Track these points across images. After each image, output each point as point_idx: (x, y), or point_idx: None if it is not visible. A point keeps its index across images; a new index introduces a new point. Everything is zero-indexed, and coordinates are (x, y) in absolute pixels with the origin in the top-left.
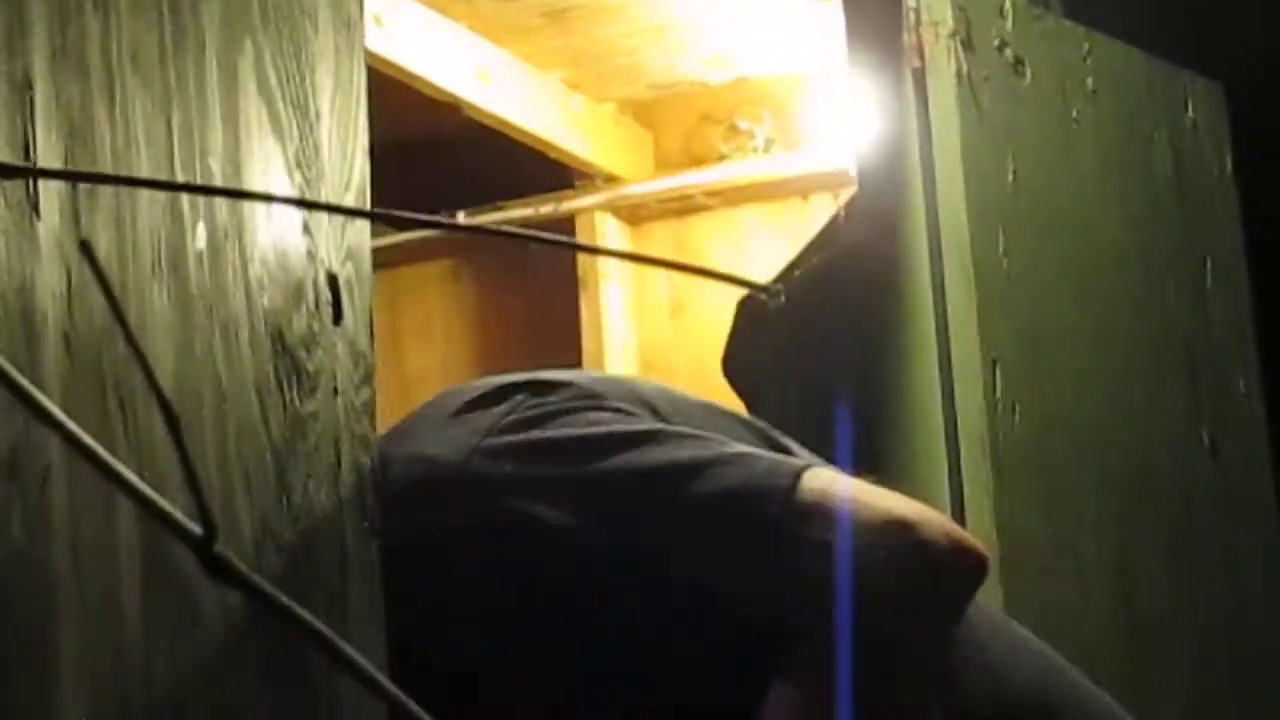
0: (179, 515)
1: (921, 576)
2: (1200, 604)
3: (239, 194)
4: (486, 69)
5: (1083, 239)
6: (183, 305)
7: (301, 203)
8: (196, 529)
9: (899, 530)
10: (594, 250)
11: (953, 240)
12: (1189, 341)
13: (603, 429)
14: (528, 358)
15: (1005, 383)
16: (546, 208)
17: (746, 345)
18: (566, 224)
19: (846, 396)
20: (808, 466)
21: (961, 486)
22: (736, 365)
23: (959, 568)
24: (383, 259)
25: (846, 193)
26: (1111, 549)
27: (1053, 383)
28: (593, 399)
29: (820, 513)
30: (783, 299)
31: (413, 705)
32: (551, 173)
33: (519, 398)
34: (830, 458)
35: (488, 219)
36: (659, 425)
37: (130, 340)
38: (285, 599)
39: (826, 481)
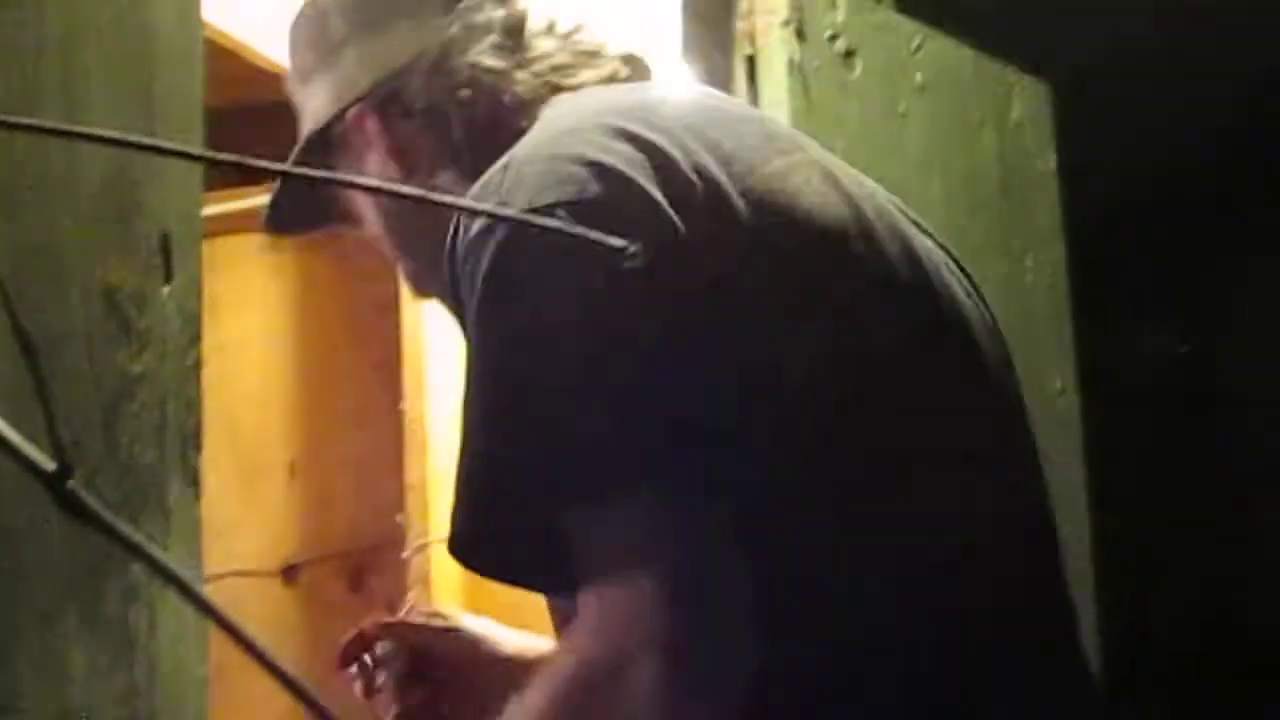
0: (33, 450)
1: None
2: None
3: (75, 135)
4: None
5: None
6: (15, 254)
7: (147, 146)
8: (50, 464)
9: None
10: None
11: None
12: (1007, 337)
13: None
14: (347, 330)
15: None
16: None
17: None
18: None
19: None
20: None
21: None
22: None
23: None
24: (204, 229)
25: None
26: None
27: None
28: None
29: None
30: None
31: (251, 641)
32: None
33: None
34: None
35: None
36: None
37: None
38: (137, 536)
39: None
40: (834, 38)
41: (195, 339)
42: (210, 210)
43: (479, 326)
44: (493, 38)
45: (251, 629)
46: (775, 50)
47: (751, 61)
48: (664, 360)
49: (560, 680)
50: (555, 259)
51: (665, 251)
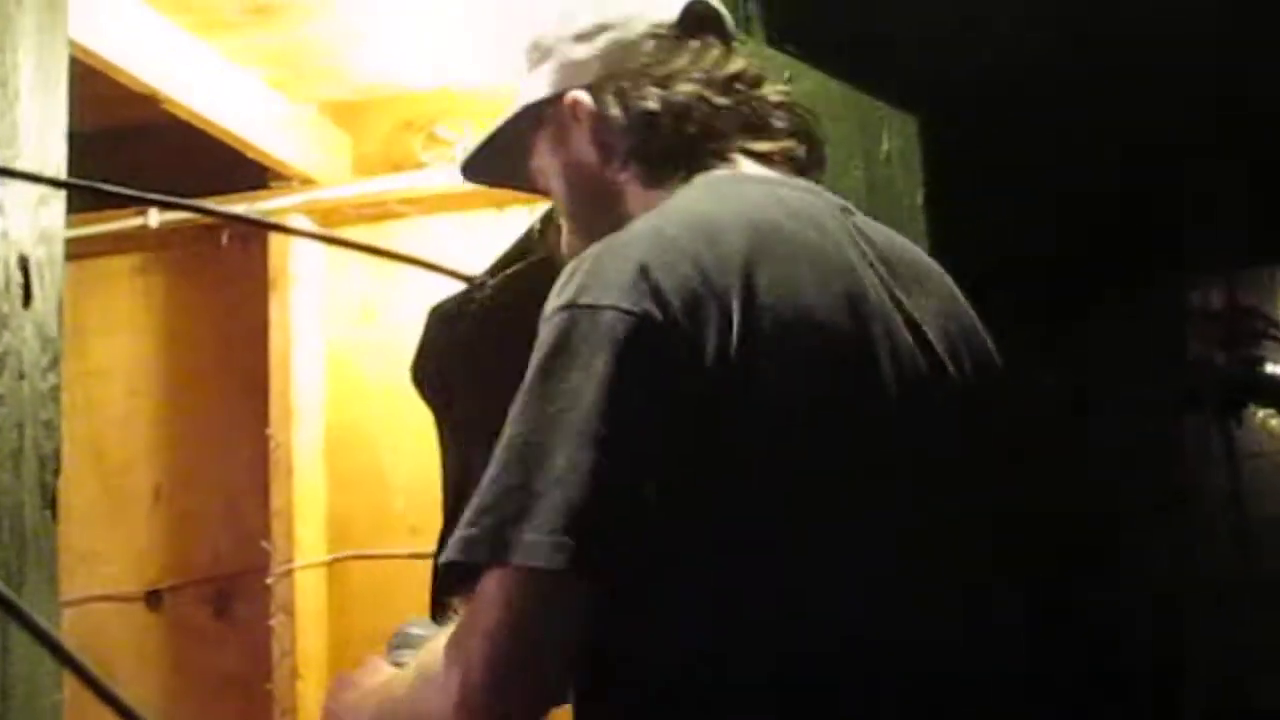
0: None
1: None
2: None
3: None
4: (186, 62)
5: None
6: None
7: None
8: None
9: None
10: (309, 235)
11: None
12: None
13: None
14: (215, 356)
15: None
16: (241, 207)
17: (436, 353)
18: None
19: None
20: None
21: None
22: (425, 372)
23: None
24: (71, 251)
25: (541, 206)
26: None
27: None
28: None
29: None
30: (487, 290)
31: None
32: (248, 172)
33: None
34: None
35: (180, 216)
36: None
37: None
38: None
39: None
40: None
41: (55, 362)
42: (79, 232)
43: (526, 383)
44: (710, 71)
45: (114, 654)
46: None
47: None
48: (646, 450)
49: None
50: (601, 353)
51: (667, 377)
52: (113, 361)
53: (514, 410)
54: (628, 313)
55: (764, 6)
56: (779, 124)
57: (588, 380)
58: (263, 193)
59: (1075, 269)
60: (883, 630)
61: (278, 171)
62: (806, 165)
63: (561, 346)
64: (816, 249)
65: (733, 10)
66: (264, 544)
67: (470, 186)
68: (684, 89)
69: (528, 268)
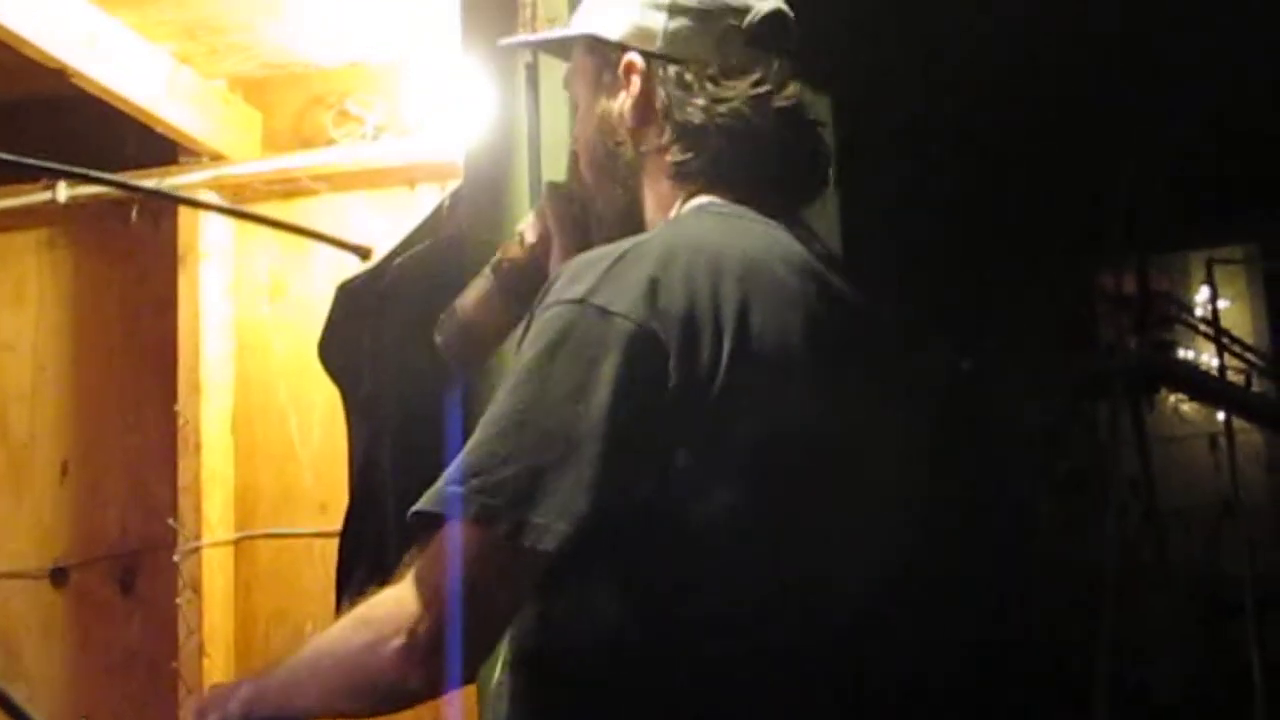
0: None
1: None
2: None
3: None
4: (96, 36)
5: None
6: None
7: None
8: None
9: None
10: (213, 208)
11: None
12: None
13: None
14: (124, 331)
15: None
16: (150, 182)
17: (343, 330)
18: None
19: (451, 382)
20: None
21: None
22: (332, 349)
23: (400, 687)
24: None
25: (453, 183)
26: None
27: None
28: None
29: None
30: (395, 266)
31: None
32: (158, 147)
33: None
34: (430, 441)
35: (88, 191)
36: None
37: None
38: None
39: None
40: None
41: None
42: None
43: (526, 361)
44: (763, 95)
45: (19, 631)
46: (555, 58)
47: (532, 69)
48: (644, 458)
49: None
50: (611, 355)
51: (648, 389)
52: (19, 336)
53: (512, 380)
54: (639, 325)
55: None
56: (804, 151)
57: (597, 379)
58: (172, 168)
59: (983, 251)
60: (810, 629)
61: (188, 146)
62: (816, 191)
63: (568, 336)
64: (800, 298)
65: None
66: (171, 521)
67: (382, 161)
68: (734, 106)
69: (436, 245)
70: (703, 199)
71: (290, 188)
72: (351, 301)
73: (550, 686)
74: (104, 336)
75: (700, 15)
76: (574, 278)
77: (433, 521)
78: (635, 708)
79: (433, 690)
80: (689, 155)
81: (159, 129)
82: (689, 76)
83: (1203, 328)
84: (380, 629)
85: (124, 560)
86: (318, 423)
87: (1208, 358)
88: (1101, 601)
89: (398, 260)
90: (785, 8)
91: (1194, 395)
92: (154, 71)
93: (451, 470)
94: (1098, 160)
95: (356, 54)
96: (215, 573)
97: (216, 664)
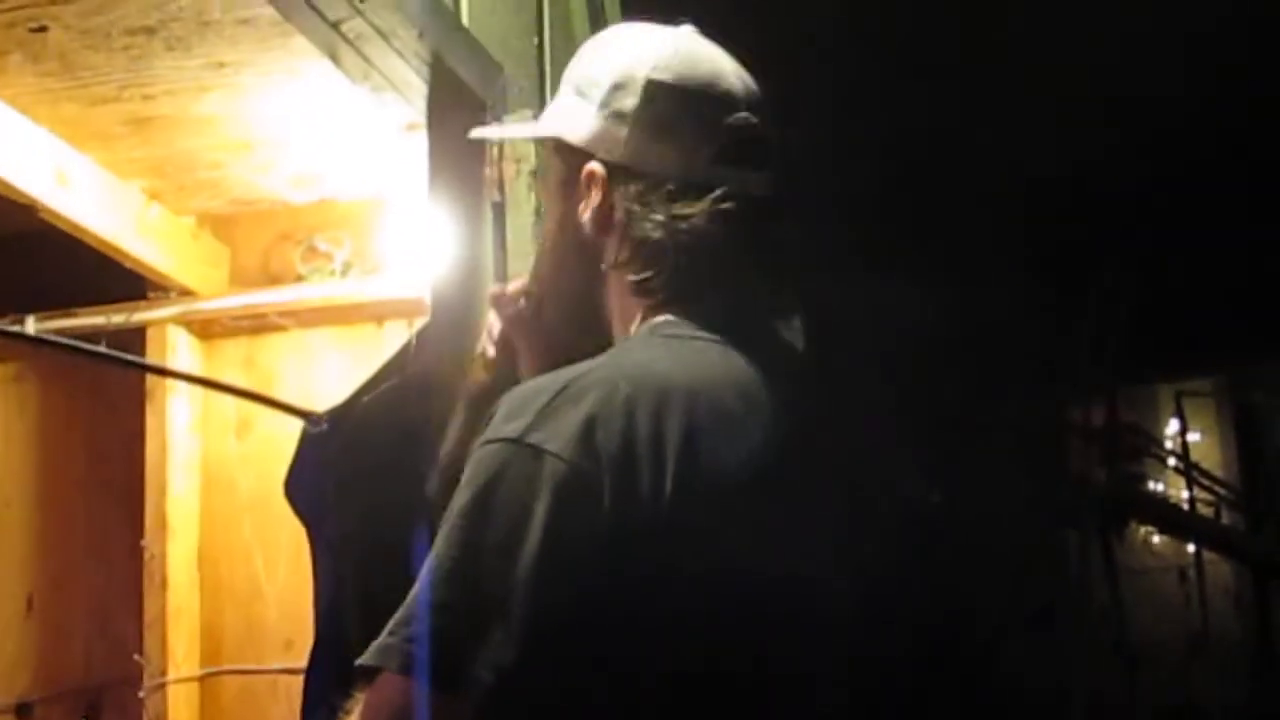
0: None
1: None
2: None
3: None
4: (66, 172)
5: None
6: None
7: None
8: None
9: None
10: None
11: None
12: None
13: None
14: (90, 465)
15: None
16: (119, 317)
17: (309, 468)
18: (138, 335)
19: (417, 520)
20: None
21: None
22: (298, 487)
23: None
24: None
25: (420, 320)
26: None
27: None
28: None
29: None
30: (325, 427)
31: None
32: (126, 282)
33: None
34: (397, 577)
35: (59, 325)
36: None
37: None
38: None
39: None
40: None
41: None
42: None
43: (461, 504)
44: (733, 215)
45: None
46: (523, 197)
47: (499, 208)
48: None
49: None
50: (542, 498)
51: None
52: None
53: (447, 525)
54: (570, 465)
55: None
56: (768, 262)
57: (529, 526)
58: (140, 303)
59: (956, 381)
60: None
61: (156, 282)
62: (788, 309)
63: (502, 477)
64: (749, 428)
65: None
66: (136, 656)
67: (350, 298)
68: (694, 224)
69: (403, 384)
70: (661, 317)
71: (258, 324)
72: (318, 439)
73: None
74: (70, 471)
75: (663, 128)
76: (511, 413)
77: (373, 671)
78: None
79: None
80: (647, 274)
81: (128, 264)
82: (649, 190)
83: (1172, 460)
84: None
85: (88, 696)
86: (283, 559)
87: (1177, 490)
88: None
89: (364, 399)
90: (758, 121)
91: (1163, 527)
92: (123, 207)
93: (392, 621)
94: (1067, 292)
95: (324, 191)
96: (180, 709)
97: None
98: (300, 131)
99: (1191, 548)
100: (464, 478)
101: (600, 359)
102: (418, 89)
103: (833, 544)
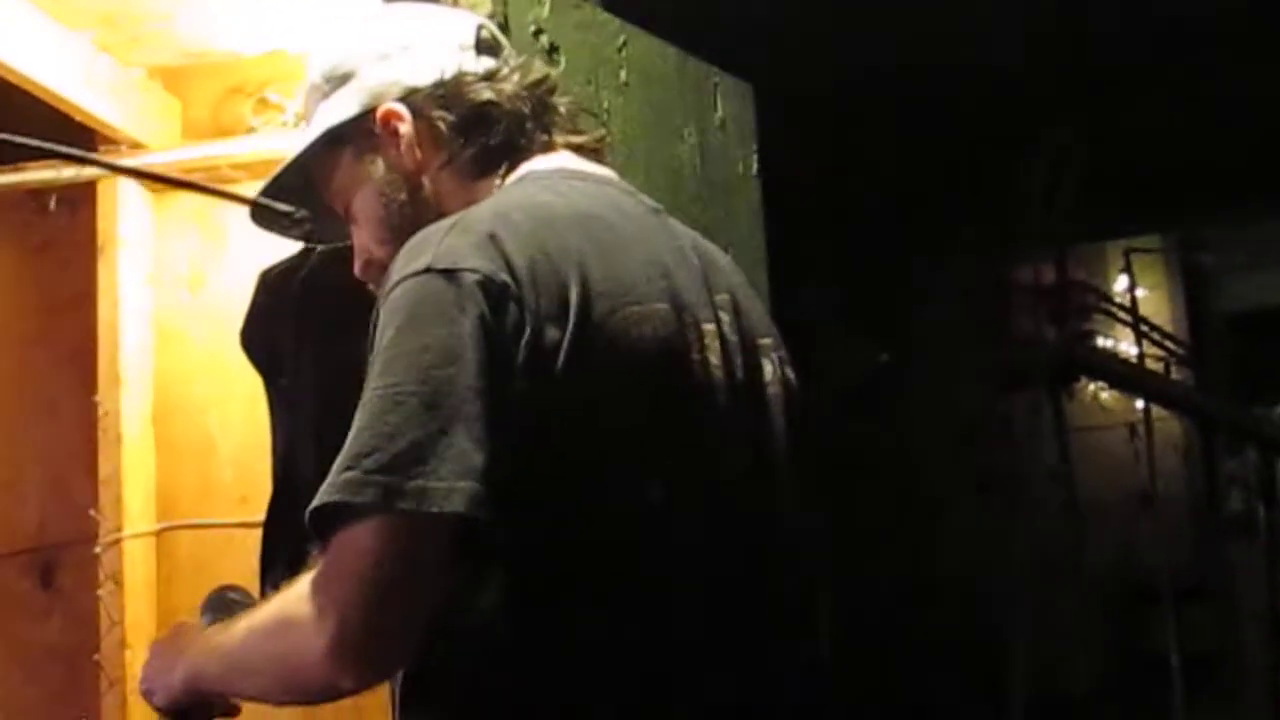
0: None
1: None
2: None
3: None
4: (12, 22)
5: None
6: None
7: None
8: None
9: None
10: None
11: None
12: None
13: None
14: (40, 323)
15: None
16: (69, 171)
17: (264, 318)
18: (89, 189)
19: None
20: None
21: None
22: (253, 337)
23: (334, 686)
24: None
25: None
26: None
27: None
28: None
29: None
30: (306, 224)
31: None
32: (77, 136)
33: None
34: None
35: (5, 180)
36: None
37: None
38: None
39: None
40: (538, 33)
41: None
42: None
43: (387, 341)
44: (516, 79)
45: None
46: None
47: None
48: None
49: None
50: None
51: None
52: None
53: (379, 364)
54: (487, 276)
55: None
56: (584, 119)
57: (459, 337)
58: (91, 155)
59: (902, 241)
60: (688, 661)
61: (106, 135)
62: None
63: (424, 304)
64: (640, 244)
65: None
66: (91, 513)
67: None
68: (505, 87)
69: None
70: (519, 172)
71: (211, 176)
72: (273, 290)
73: (433, 688)
74: (20, 328)
75: (421, 46)
76: (411, 254)
77: (335, 512)
78: (512, 707)
79: (366, 684)
80: (487, 136)
81: (78, 117)
82: (453, 88)
83: (1121, 315)
84: (304, 632)
85: (43, 554)
86: (238, 415)
87: (1126, 346)
88: (1021, 595)
89: (318, 249)
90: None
91: (1113, 384)
92: (72, 59)
93: (340, 460)
94: (1014, 148)
95: (276, 43)
96: (137, 565)
97: (138, 656)
98: None
99: (1140, 404)
100: (381, 323)
101: (480, 204)
102: None
103: (761, 391)
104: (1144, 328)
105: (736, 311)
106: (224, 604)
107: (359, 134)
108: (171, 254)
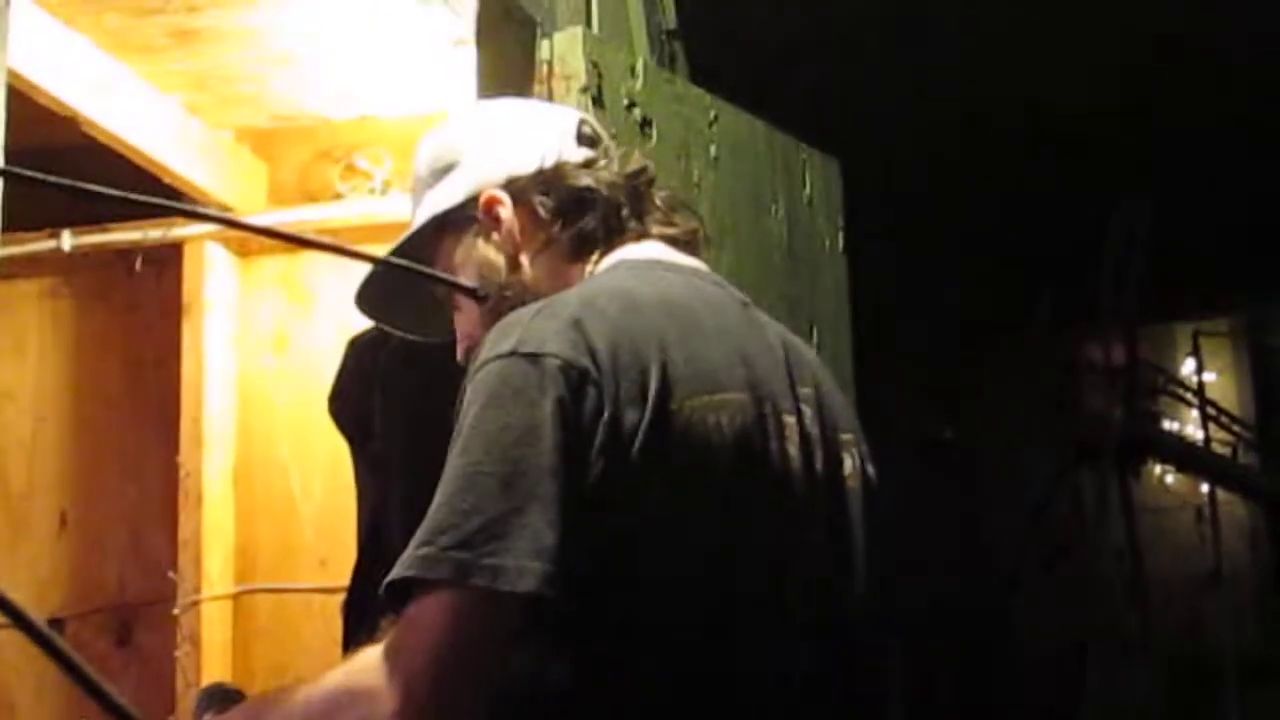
0: None
1: None
2: None
3: None
4: (107, 85)
5: None
6: None
7: None
8: None
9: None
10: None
11: None
12: None
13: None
14: (125, 382)
15: None
16: (156, 233)
17: (354, 384)
18: (175, 251)
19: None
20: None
21: None
22: (343, 404)
23: None
24: None
25: None
26: None
27: None
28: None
29: None
30: (489, 299)
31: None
32: (165, 197)
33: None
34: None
35: (93, 240)
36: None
37: None
38: None
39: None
40: (631, 106)
41: None
42: None
43: (470, 419)
44: (615, 168)
45: (13, 684)
46: None
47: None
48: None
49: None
50: (550, 394)
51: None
52: (19, 386)
53: (460, 441)
54: (569, 362)
55: (688, 47)
56: (680, 211)
57: (538, 419)
58: (179, 219)
59: (976, 320)
60: None
61: (194, 197)
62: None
63: (506, 385)
64: (724, 334)
65: (657, 51)
66: (170, 574)
67: (390, 217)
68: (604, 175)
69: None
70: (611, 258)
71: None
72: (363, 355)
73: None
74: (105, 387)
75: (527, 138)
76: (499, 336)
77: (409, 586)
78: None
79: None
80: (584, 221)
81: (166, 179)
82: (554, 175)
83: (1189, 398)
84: (371, 702)
85: (121, 613)
86: (319, 477)
87: (1193, 429)
88: (1092, 672)
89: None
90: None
91: (1180, 466)
92: (164, 121)
93: (418, 535)
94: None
95: (366, 108)
96: (214, 626)
97: None
98: (343, 46)
99: (1206, 487)
100: (466, 402)
101: (569, 290)
102: (466, 1)
103: (834, 472)
104: (1211, 410)
105: (819, 405)
106: (224, 695)
107: (462, 219)
108: (256, 316)
